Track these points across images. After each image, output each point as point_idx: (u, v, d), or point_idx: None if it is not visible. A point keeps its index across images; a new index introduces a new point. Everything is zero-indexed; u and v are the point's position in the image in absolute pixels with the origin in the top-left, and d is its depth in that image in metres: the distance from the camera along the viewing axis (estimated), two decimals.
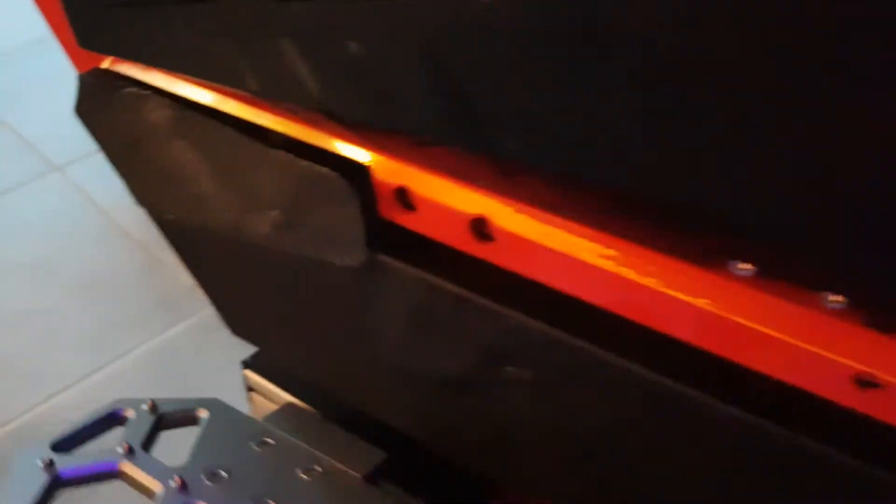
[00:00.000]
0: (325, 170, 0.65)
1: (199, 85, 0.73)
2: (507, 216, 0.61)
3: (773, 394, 0.53)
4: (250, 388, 1.02)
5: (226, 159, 0.73)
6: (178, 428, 0.86)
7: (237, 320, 0.94)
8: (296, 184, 0.68)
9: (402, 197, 0.66)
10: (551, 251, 0.60)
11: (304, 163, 0.66)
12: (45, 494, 0.78)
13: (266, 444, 0.83)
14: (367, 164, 0.66)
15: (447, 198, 0.64)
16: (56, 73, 2.85)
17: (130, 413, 0.84)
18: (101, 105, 0.78)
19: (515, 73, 0.49)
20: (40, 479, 0.79)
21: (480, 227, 0.63)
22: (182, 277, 2.01)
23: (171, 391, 1.74)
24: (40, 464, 0.80)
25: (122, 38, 0.72)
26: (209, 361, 1.78)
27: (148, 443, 0.82)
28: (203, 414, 0.86)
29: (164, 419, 0.84)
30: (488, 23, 0.48)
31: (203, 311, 1.89)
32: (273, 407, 1.02)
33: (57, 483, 0.79)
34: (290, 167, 0.68)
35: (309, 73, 0.60)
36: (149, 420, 0.83)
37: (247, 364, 1.02)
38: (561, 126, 0.49)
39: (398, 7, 0.51)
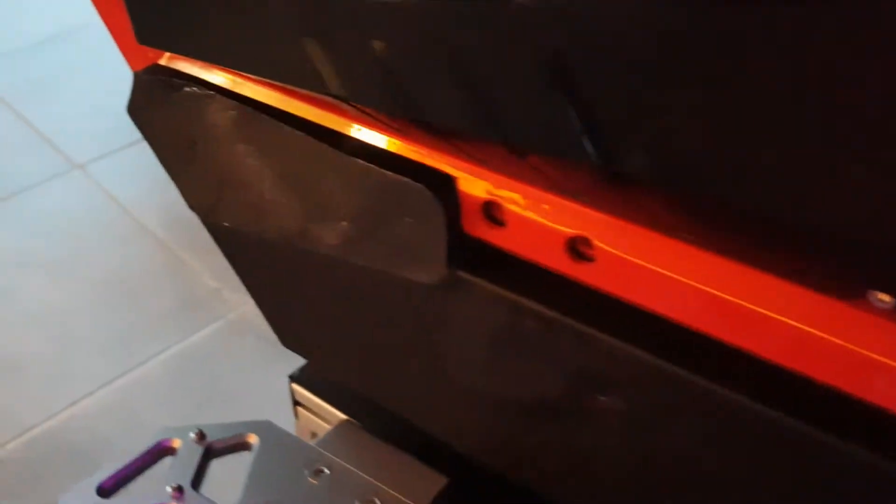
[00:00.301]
0: (408, 180, 0.60)
1: (267, 86, 0.68)
2: (611, 235, 0.56)
3: None
4: (297, 403, 0.97)
5: (294, 165, 0.68)
6: (229, 454, 0.81)
7: (289, 331, 0.89)
8: (373, 194, 0.63)
9: (491, 211, 0.62)
10: (660, 275, 0.55)
11: (386, 172, 0.61)
12: None
13: (321, 472, 0.78)
14: (453, 175, 0.61)
15: (542, 214, 0.59)
16: (76, 69, 2.81)
17: (177, 443, 0.79)
18: (158, 104, 0.73)
19: (649, 79, 0.44)
20: None
21: (578, 247, 0.58)
22: (207, 279, 1.97)
23: (198, 398, 1.70)
24: None
25: (186, 34, 0.67)
26: (238, 367, 1.74)
27: (198, 478, 0.77)
28: (253, 440, 0.81)
29: (213, 449, 0.79)
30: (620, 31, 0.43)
31: (230, 314, 1.84)
32: (320, 423, 0.97)
33: None
34: (368, 176, 0.63)
35: (406, 79, 0.55)
36: (197, 451, 0.78)
37: (294, 378, 0.97)
38: (702, 144, 0.44)
39: (515, 10, 0.46)
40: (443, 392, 0.76)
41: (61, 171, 2.27)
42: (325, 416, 0.96)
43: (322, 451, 0.81)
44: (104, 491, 0.75)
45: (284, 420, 1.60)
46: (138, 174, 2.25)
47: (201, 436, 0.80)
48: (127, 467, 0.77)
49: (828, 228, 0.46)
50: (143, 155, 2.33)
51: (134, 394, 1.69)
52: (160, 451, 0.79)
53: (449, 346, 0.71)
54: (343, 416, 0.94)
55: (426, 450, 0.86)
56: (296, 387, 0.96)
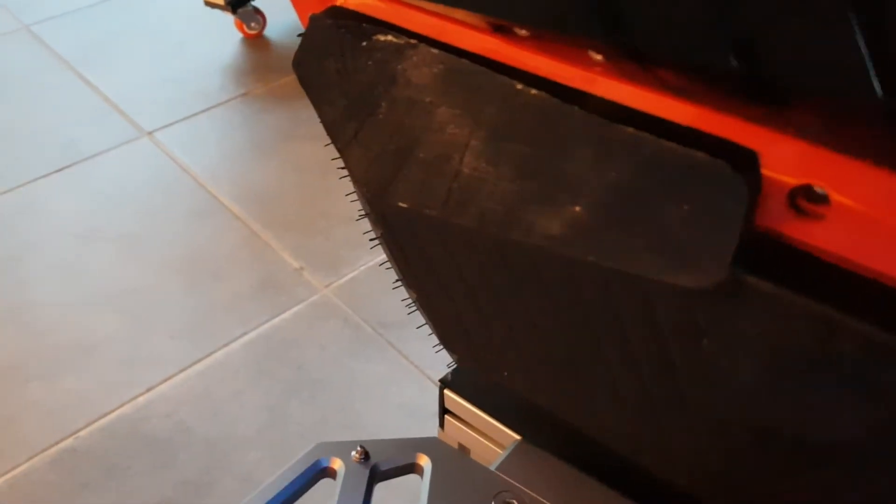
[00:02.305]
0: (703, 155, 0.46)
1: (486, 33, 0.54)
2: None
3: None
4: (446, 411, 0.84)
5: (519, 133, 0.54)
6: (396, 478, 0.67)
7: (454, 333, 0.76)
8: (639, 171, 0.49)
9: (800, 199, 0.47)
10: None
11: (667, 143, 0.47)
12: None
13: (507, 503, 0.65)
14: (755, 150, 0.47)
15: (888, 206, 0.44)
16: (141, 31, 2.69)
17: (337, 464, 0.66)
18: (338, 55, 0.59)
19: None
20: None
21: None
22: (287, 257, 1.85)
23: (282, 386, 1.58)
24: None
25: None
26: (323, 353, 1.61)
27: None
28: (424, 461, 0.67)
29: (380, 471, 0.66)
30: None
31: (313, 296, 1.72)
32: (471, 434, 0.84)
33: None
34: (636, 148, 0.49)
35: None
36: (362, 474, 0.65)
37: (445, 383, 0.83)
38: None
39: None
40: (670, 421, 0.62)
41: (129, 137, 2.14)
42: (480, 426, 0.83)
43: (504, 477, 0.67)
44: None
45: (381, 416, 1.48)
46: (208, 143, 2.13)
47: (365, 454, 0.66)
48: (283, 492, 0.64)
49: None
50: (212, 123, 2.21)
51: (214, 379, 1.57)
52: (318, 473, 0.66)
53: (699, 369, 0.57)
54: (502, 429, 0.81)
55: (609, 470, 0.73)
56: (448, 393, 0.83)
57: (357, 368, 1.60)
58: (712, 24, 0.42)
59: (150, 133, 2.15)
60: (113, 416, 1.51)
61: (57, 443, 1.46)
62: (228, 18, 2.53)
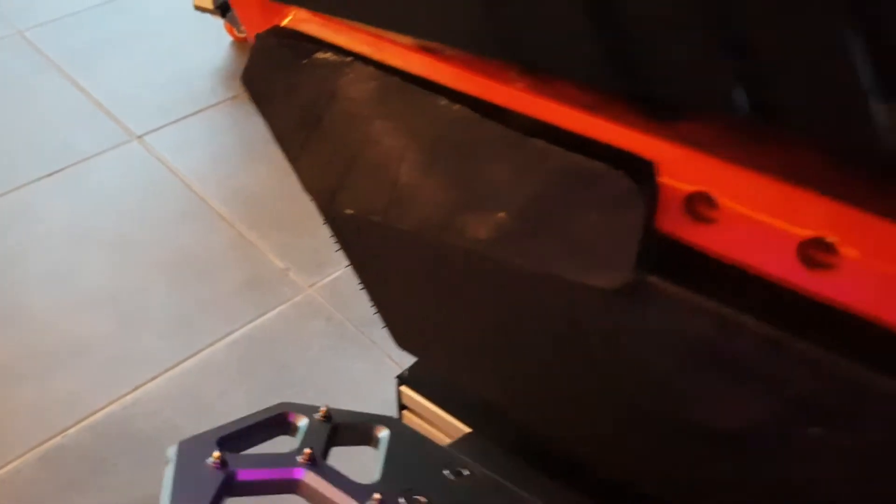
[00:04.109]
0: (603, 166, 0.50)
1: (416, 52, 0.58)
2: (862, 237, 0.46)
3: None
4: (403, 407, 0.88)
5: (447, 145, 0.58)
6: (353, 446, 0.71)
7: (407, 333, 0.80)
8: (550, 181, 0.53)
9: (696, 206, 0.51)
10: None
11: (573, 155, 0.51)
12: (216, 497, 0.63)
13: (461, 474, 0.69)
14: (652, 160, 0.51)
15: (770, 210, 0.48)
16: (130, 35, 2.74)
17: (301, 420, 0.70)
18: (282, 72, 0.63)
19: None
20: (212, 479, 0.64)
21: (816, 253, 0.48)
22: (273, 258, 1.89)
23: (266, 384, 1.62)
24: (211, 460, 0.65)
25: None
26: (307, 352, 1.65)
27: (323, 457, 0.67)
28: (381, 433, 0.71)
29: (339, 433, 0.69)
30: None
31: (297, 296, 1.76)
32: (428, 429, 0.88)
33: (231, 486, 0.65)
34: (546, 159, 0.53)
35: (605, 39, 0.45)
36: (323, 430, 0.68)
37: (403, 380, 0.87)
38: None
39: None
40: (597, 412, 0.66)
41: (119, 140, 2.19)
42: (436, 421, 0.87)
43: (461, 454, 0.71)
44: (225, 442, 0.66)
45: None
46: (197, 146, 2.17)
47: (327, 416, 0.70)
48: (247, 429, 0.68)
49: None
50: (201, 125, 2.25)
51: (200, 378, 1.61)
52: (281, 422, 0.70)
53: (618, 361, 0.61)
54: (456, 424, 0.85)
55: (557, 465, 0.77)
56: (405, 390, 0.87)
57: (340, 366, 1.64)
58: (597, 46, 0.46)
59: (140, 137, 2.19)
60: (101, 414, 1.55)
61: (46, 441, 1.50)
62: (218, 22, 2.57)
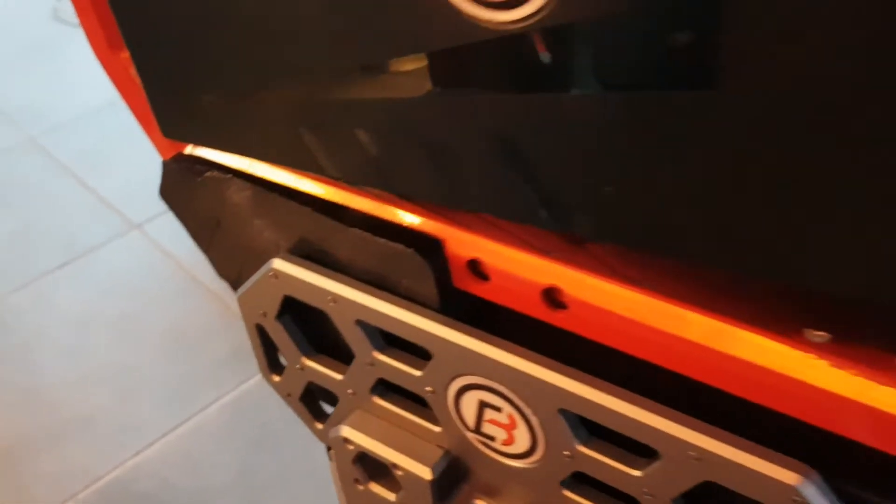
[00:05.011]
0: (400, 246, 0.68)
1: (278, 167, 0.77)
2: (579, 285, 0.63)
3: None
4: None
5: (302, 234, 0.76)
6: None
7: None
8: (373, 258, 0.71)
9: (475, 268, 0.69)
10: (622, 318, 0.61)
11: (381, 240, 0.69)
12: None
13: None
14: (441, 238, 0.68)
15: (519, 268, 0.65)
16: (129, 134, 2.99)
17: None
18: (185, 188, 0.82)
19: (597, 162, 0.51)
20: None
21: (553, 296, 0.65)
22: None
23: (251, 442, 1.80)
24: None
25: (206, 130, 0.76)
26: (286, 412, 1.82)
27: None
28: None
29: None
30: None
31: None
32: None
33: None
34: (366, 244, 0.71)
35: (385, 161, 0.63)
36: None
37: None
38: (649, 207, 0.51)
39: (473, 103, 0.53)
40: None
41: (121, 231, 2.41)
42: None
43: None
44: None
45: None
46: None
47: None
48: None
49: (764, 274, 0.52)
50: None
51: (193, 440, 1.79)
52: None
53: None
54: None
55: None
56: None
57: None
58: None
59: (139, 226, 2.41)
60: (107, 478, 1.73)
61: None
62: None
